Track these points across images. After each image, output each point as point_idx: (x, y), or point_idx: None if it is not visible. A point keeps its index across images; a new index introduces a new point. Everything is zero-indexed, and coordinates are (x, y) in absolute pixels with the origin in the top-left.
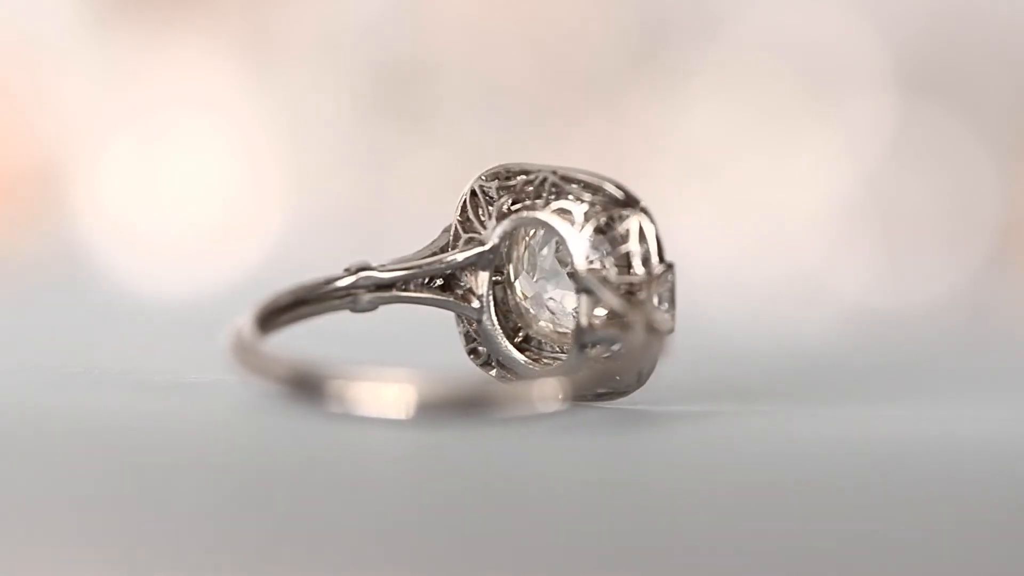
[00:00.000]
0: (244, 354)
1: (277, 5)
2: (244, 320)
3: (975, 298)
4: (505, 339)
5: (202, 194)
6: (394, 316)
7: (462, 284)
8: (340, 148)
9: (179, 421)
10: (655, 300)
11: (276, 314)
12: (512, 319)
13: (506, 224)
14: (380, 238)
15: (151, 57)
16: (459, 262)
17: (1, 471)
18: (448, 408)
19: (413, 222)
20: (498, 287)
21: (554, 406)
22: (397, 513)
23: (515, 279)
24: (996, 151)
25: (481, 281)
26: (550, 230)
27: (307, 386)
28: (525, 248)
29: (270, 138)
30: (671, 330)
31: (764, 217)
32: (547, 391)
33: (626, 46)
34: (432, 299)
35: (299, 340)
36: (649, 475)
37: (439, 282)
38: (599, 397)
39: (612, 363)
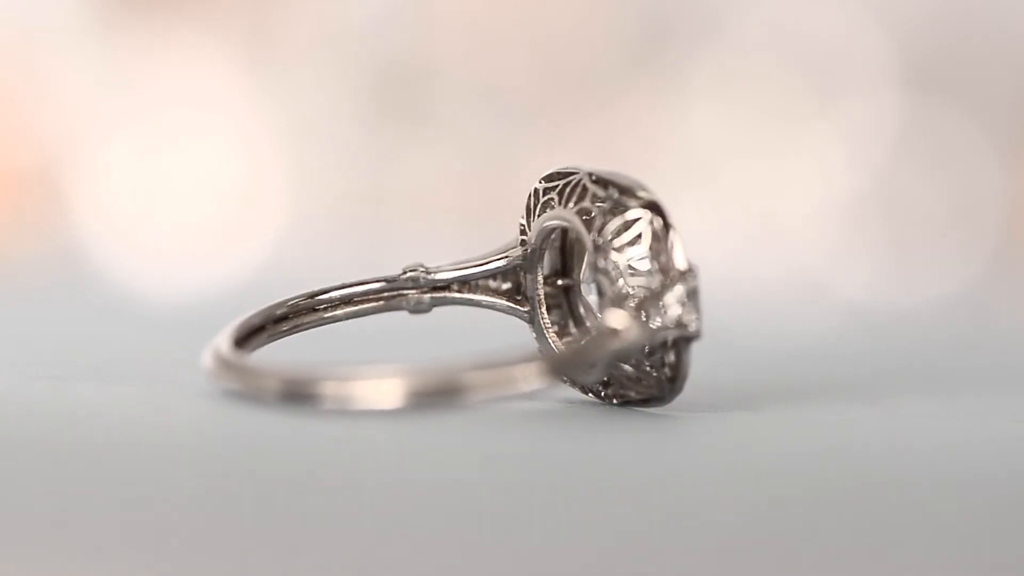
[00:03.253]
0: (230, 371)
1: (278, 5)
2: (222, 339)
3: (983, 297)
4: (556, 340)
5: (203, 194)
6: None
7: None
8: (341, 147)
9: (175, 421)
10: (669, 303)
11: (269, 326)
12: (584, 323)
13: (537, 227)
14: (381, 237)
15: (151, 57)
16: (498, 266)
17: None
18: (433, 396)
19: (413, 221)
20: (572, 291)
21: (532, 389)
22: (393, 511)
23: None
24: (1002, 148)
25: (529, 282)
26: (580, 233)
27: (299, 391)
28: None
29: (271, 138)
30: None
31: (767, 217)
32: (526, 375)
33: (627, 45)
34: (483, 301)
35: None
36: (656, 476)
37: (507, 285)
38: (643, 403)
39: (572, 350)
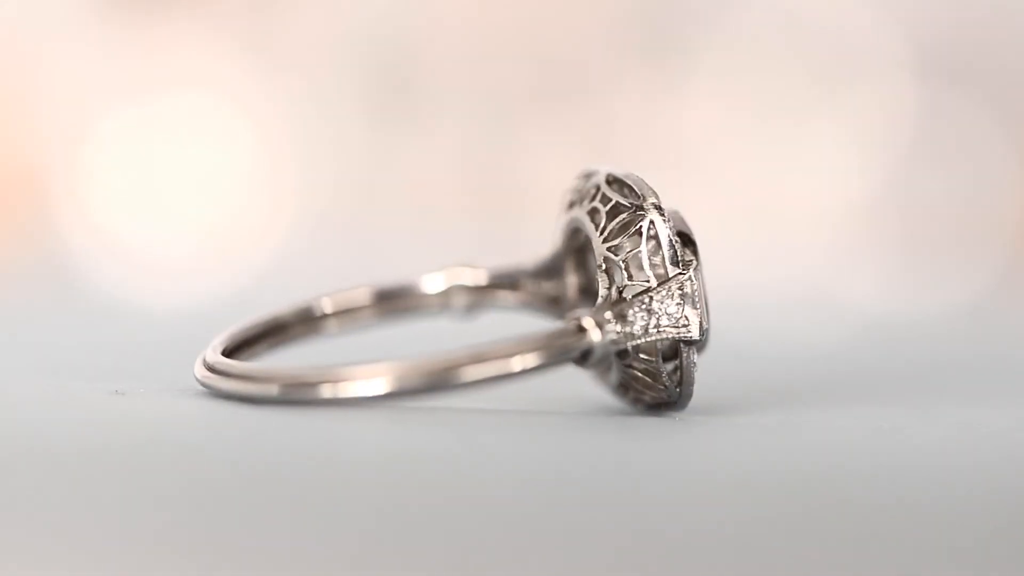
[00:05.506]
0: (228, 376)
1: (275, 4)
2: (211, 351)
3: (998, 300)
4: None
5: (199, 196)
6: None
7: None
8: (339, 146)
9: (169, 424)
10: (663, 305)
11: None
12: None
13: (558, 227)
14: (382, 237)
15: (145, 57)
16: (533, 267)
17: None
18: (425, 383)
19: (414, 219)
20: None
21: (519, 372)
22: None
23: None
24: (1021, 145)
25: (558, 282)
26: (587, 232)
27: (299, 388)
28: None
29: (269, 138)
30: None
31: (774, 216)
32: (517, 360)
33: (626, 37)
34: (522, 302)
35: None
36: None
37: (547, 286)
38: (660, 407)
39: (535, 341)
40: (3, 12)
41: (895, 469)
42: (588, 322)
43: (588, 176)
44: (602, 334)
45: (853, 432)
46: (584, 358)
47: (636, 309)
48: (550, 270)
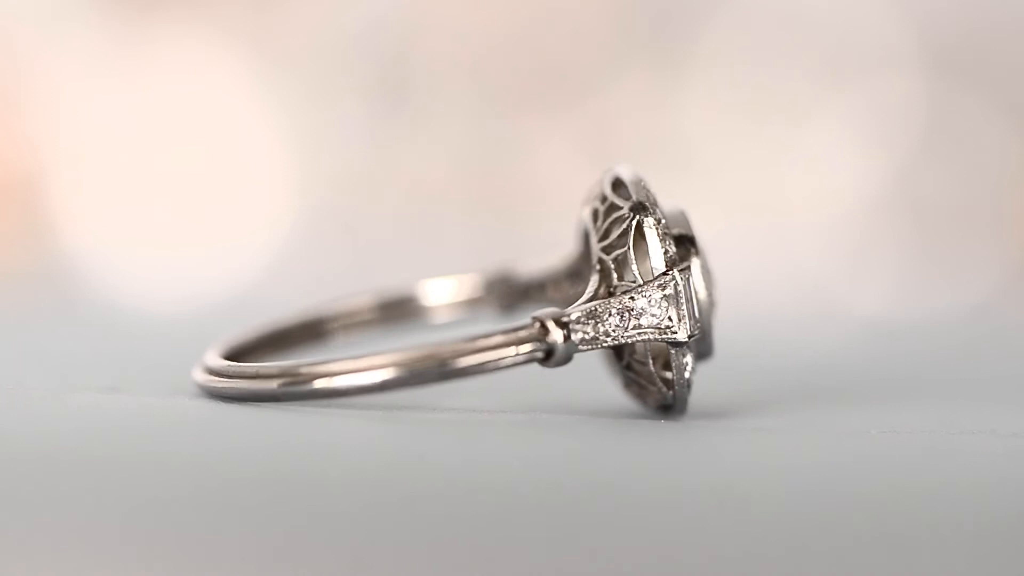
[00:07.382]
0: (227, 376)
1: (276, 7)
2: (210, 355)
3: (1011, 300)
4: None
5: (197, 196)
6: None
7: None
8: (337, 146)
9: (169, 427)
10: (646, 305)
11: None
12: None
13: (577, 226)
14: (382, 234)
15: (144, 62)
16: (564, 267)
17: None
18: (419, 370)
19: (414, 218)
20: None
21: (510, 360)
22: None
23: None
24: None
25: (583, 285)
26: (588, 232)
27: (295, 382)
28: None
29: (267, 141)
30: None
31: (778, 216)
32: (474, 357)
33: (626, 35)
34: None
35: None
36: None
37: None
38: (663, 410)
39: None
40: (2, 12)
41: (897, 471)
42: (551, 322)
43: (603, 175)
44: (566, 334)
45: (854, 435)
46: (547, 357)
47: (613, 309)
48: (573, 272)
